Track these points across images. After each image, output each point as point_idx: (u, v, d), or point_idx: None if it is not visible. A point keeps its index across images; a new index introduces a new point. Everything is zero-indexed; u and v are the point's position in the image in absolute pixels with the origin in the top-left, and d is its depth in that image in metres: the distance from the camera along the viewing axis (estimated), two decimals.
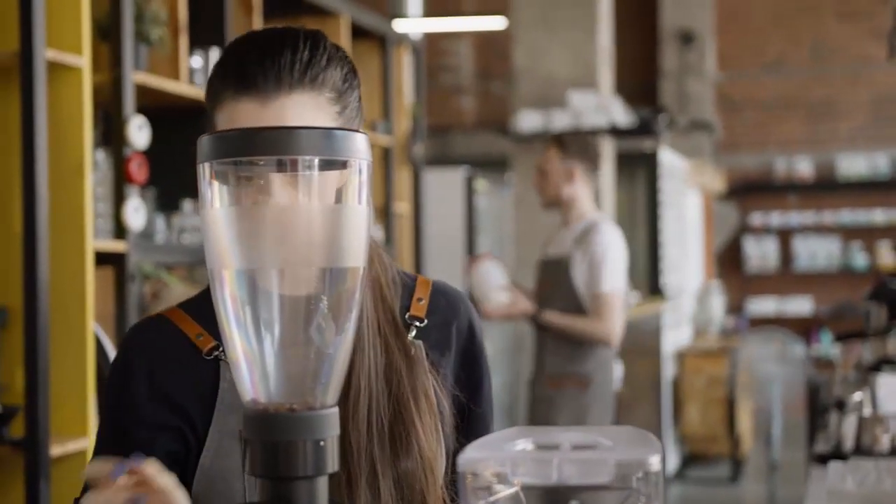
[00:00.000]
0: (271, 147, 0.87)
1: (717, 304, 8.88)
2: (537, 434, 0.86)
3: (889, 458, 2.31)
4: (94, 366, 2.77)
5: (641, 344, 6.63)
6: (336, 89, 1.21)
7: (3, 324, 2.70)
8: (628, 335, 6.30)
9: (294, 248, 0.89)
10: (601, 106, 5.80)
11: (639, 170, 7.35)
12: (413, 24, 5.86)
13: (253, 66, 1.18)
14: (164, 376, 1.24)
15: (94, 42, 2.91)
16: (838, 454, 2.37)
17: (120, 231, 2.97)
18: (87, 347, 2.74)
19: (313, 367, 0.89)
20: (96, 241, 2.85)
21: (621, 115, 5.86)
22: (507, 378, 6.44)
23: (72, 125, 2.75)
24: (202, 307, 1.22)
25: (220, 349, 1.22)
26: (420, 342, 1.29)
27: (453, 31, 10.01)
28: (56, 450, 2.65)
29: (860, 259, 9.96)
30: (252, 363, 0.88)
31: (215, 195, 0.89)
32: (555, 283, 3.95)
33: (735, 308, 10.05)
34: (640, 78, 9.96)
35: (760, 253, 10.18)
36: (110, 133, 3.05)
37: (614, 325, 3.85)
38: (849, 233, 10.04)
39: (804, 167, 10.09)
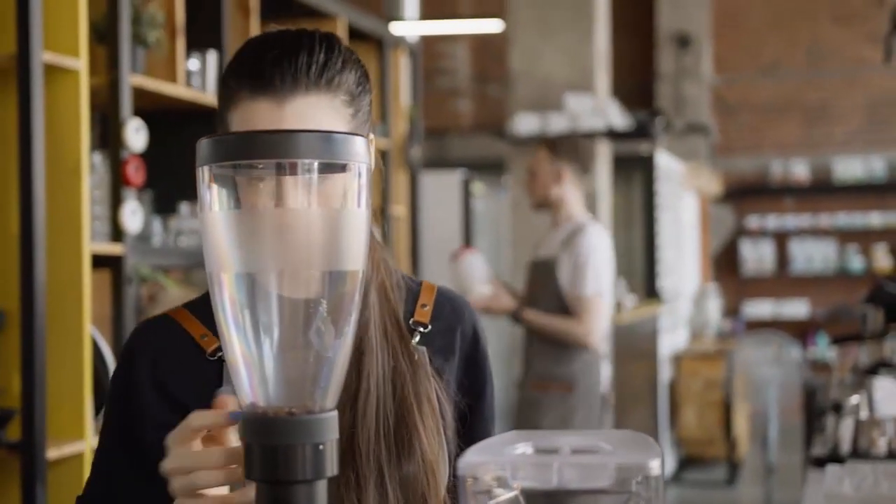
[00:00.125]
0: (270, 150, 0.87)
1: (714, 306, 8.89)
2: (537, 438, 0.86)
3: (886, 462, 2.31)
4: (91, 369, 2.77)
5: (638, 347, 6.63)
6: (350, 92, 1.21)
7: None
8: (625, 338, 6.33)
9: (293, 251, 0.89)
10: (598, 109, 5.80)
11: (635, 173, 7.35)
12: (410, 27, 5.85)
13: (270, 66, 1.17)
14: (168, 375, 1.25)
15: (90, 44, 2.91)
16: (835, 457, 2.37)
17: (117, 234, 2.97)
18: (84, 350, 2.73)
19: (312, 371, 0.88)
20: (93, 243, 2.84)
21: (618, 118, 5.86)
22: (504, 381, 6.44)
23: (69, 128, 2.74)
24: (207, 308, 1.22)
25: None
26: (423, 348, 1.30)
27: (450, 34, 10.01)
28: (52, 453, 2.65)
29: (856, 262, 9.97)
30: (251, 367, 0.88)
31: (214, 198, 0.89)
32: (542, 285, 3.96)
33: (731, 311, 10.05)
34: (636, 81, 9.97)
35: (757, 256, 10.19)
36: (107, 135, 3.05)
37: (592, 327, 3.85)
38: (845, 236, 10.05)
39: (800, 170, 10.10)
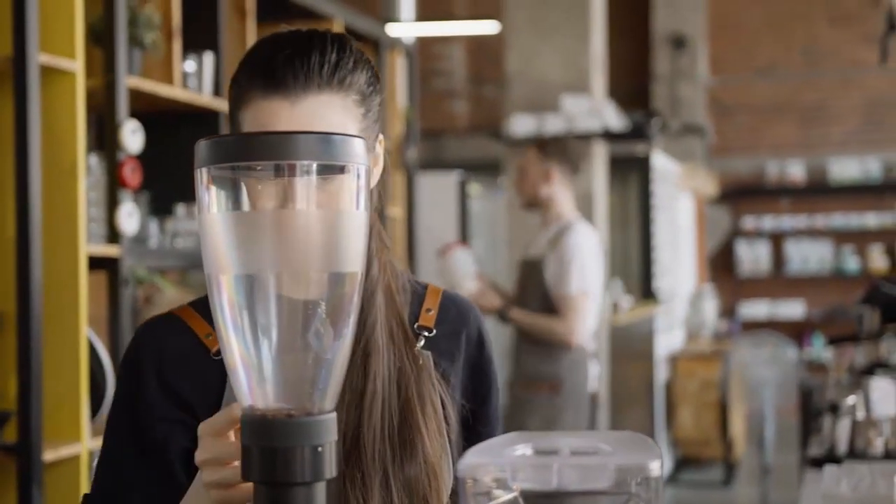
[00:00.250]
0: (269, 152, 0.87)
1: (710, 307, 8.89)
2: (537, 439, 0.86)
3: (883, 462, 2.32)
4: (88, 370, 2.77)
5: (634, 347, 6.64)
6: (361, 92, 1.21)
7: None
8: (621, 339, 6.33)
9: (292, 252, 0.88)
10: (594, 110, 5.80)
11: (631, 174, 7.36)
12: (406, 29, 5.86)
13: (282, 65, 1.17)
14: (173, 373, 1.25)
15: (87, 46, 2.90)
16: (832, 457, 2.37)
17: (113, 235, 2.96)
18: (81, 352, 2.73)
19: (311, 373, 0.88)
20: (89, 245, 2.84)
21: (614, 119, 5.86)
22: (500, 382, 6.44)
23: (65, 129, 2.74)
24: None
25: None
26: (428, 352, 1.30)
27: (446, 36, 10.02)
28: (49, 455, 2.64)
29: (852, 263, 9.99)
30: (250, 368, 0.88)
31: (213, 200, 0.89)
32: (530, 284, 3.98)
33: (727, 311, 10.06)
34: (632, 82, 9.97)
35: (753, 256, 10.20)
36: (104, 137, 3.04)
37: (576, 326, 3.86)
38: (841, 236, 10.06)
39: (796, 171, 10.11)
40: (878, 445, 2.41)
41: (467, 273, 4.04)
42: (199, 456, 1.01)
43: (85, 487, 2.72)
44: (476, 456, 0.83)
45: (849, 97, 10.09)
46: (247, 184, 0.92)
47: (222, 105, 3.43)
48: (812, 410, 4.27)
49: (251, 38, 3.72)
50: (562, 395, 3.90)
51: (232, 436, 1.00)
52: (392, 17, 6.43)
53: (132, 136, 2.98)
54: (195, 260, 3.26)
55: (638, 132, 6.33)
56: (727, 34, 10.25)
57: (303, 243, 0.89)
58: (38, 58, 2.64)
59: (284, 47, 1.19)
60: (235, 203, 0.90)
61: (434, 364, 1.30)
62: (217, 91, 3.46)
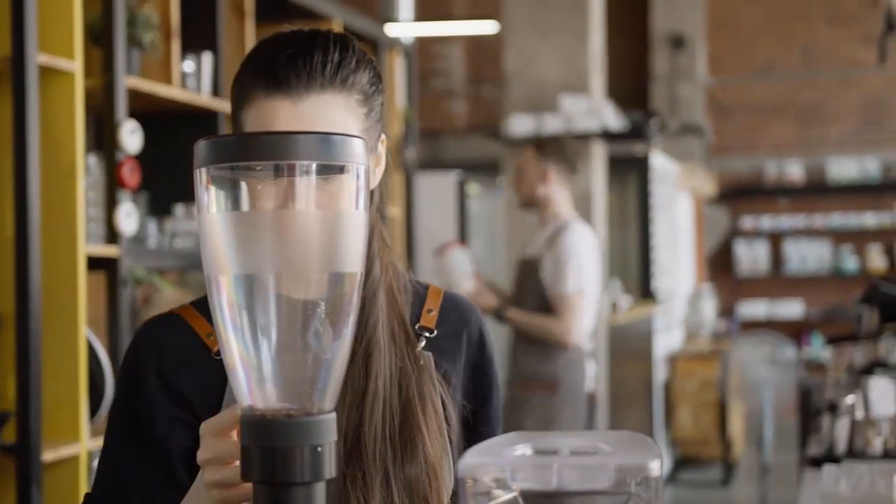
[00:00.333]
0: (268, 152, 0.87)
1: (709, 307, 8.89)
2: (536, 439, 0.86)
3: (882, 461, 2.32)
4: (87, 371, 2.76)
5: (633, 347, 6.64)
6: (364, 92, 1.22)
7: None
8: (619, 339, 6.33)
9: (291, 253, 0.88)
10: (593, 110, 5.80)
11: (630, 173, 7.36)
12: (405, 29, 5.86)
13: (285, 64, 1.17)
14: (174, 373, 1.25)
15: (86, 46, 2.90)
16: (831, 457, 2.37)
17: (112, 236, 2.96)
18: (80, 352, 2.73)
19: (311, 373, 0.88)
20: (88, 245, 2.84)
21: (613, 119, 5.86)
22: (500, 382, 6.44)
23: (64, 130, 2.74)
24: None
25: None
26: (429, 353, 1.30)
27: (445, 36, 10.02)
28: (48, 455, 2.64)
29: (851, 262, 9.99)
30: (249, 369, 0.88)
31: (212, 200, 0.88)
32: (528, 284, 3.98)
33: (726, 311, 10.06)
34: (631, 82, 9.97)
35: (751, 256, 10.20)
36: (102, 137, 3.04)
37: (572, 325, 3.86)
38: (839, 236, 10.06)
39: (795, 171, 10.12)
40: (877, 445, 2.41)
41: (464, 272, 4.04)
42: (201, 455, 1.01)
43: (84, 487, 2.72)
44: (476, 456, 0.83)
45: (847, 97, 10.09)
46: (246, 184, 0.92)
47: (221, 105, 3.43)
48: (811, 410, 4.27)
49: (250, 39, 3.72)
50: (559, 394, 3.90)
51: (234, 436, 1.00)
52: (391, 17, 6.44)
53: (131, 137, 2.98)
54: (194, 260, 3.26)
55: (637, 132, 6.33)
56: (726, 34, 10.26)
57: (302, 243, 0.89)
58: (37, 58, 2.64)
59: (287, 47, 1.19)
60: (235, 203, 0.90)
61: (435, 365, 1.30)
62: (216, 91, 3.46)
